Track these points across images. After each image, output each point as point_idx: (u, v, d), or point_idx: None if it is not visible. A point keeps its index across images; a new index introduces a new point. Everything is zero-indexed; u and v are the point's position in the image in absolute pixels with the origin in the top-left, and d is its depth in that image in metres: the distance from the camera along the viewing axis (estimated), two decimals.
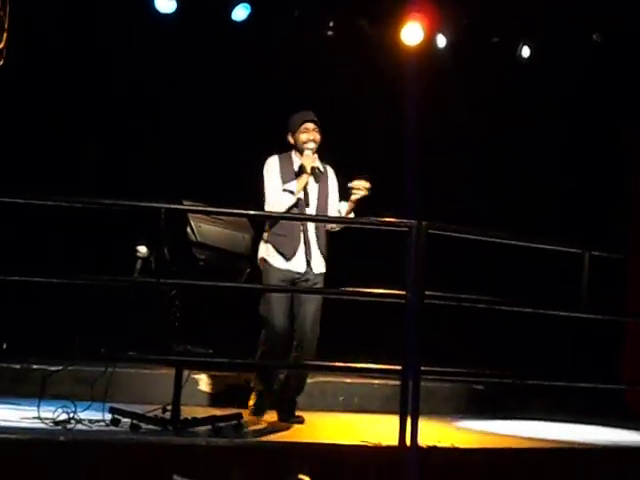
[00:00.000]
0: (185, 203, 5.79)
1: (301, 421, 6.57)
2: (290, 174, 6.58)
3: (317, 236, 6.57)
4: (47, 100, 8.35)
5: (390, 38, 9.00)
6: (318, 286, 6.60)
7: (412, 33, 8.89)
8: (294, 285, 6.57)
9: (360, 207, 6.57)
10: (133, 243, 5.80)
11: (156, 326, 5.86)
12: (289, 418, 6.56)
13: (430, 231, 5.64)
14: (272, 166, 6.62)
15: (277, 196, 6.49)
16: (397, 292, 5.65)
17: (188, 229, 5.79)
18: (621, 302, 9.18)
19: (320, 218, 6.60)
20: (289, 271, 6.51)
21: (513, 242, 6.41)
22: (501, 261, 8.24)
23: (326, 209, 6.65)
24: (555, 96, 9.44)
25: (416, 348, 5.60)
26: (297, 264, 6.53)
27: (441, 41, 9.20)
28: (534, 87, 9.39)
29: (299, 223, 6.53)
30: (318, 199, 6.63)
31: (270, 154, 6.68)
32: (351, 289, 5.88)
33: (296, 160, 6.64)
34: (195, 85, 8.74)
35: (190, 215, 5.79)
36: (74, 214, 6.11)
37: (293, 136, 6.64)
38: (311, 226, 6.55)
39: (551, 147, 9.55)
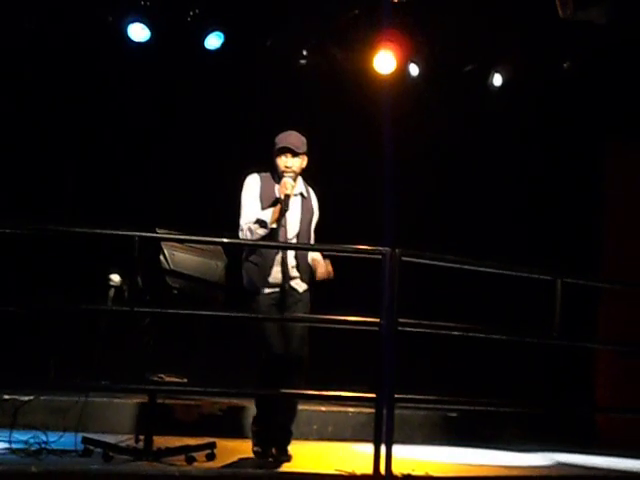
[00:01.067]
0: (158, 231, 5.78)
1: (288, 460, 6.21)
2: (270, 197, 6.32)
3: (297, 261, 6.36)
4: (23, 127, 8.34)
5: (363, 67, 9.05)
6: (303, 303, 6.35)
7: (384, 62, 8.93)
8: (282, 303, 6.32)
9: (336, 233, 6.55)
10: (106, 271, 5.78)
11: (130, 355, 5.83)
12: (280, 455, 6.21)
13: (403, 258, 5.66)
14: (251, 187, 6.39)
15: (250, 226, 6.26)
16: (371, 319, 5.66)
17: (161, 257, 5.78)
18: (593, 328, 9.24)
19: (292, 245, 6.43)
20: (265, 294, 6.29)
21: (486, 269, 6.43)
22: (475, 288, 8.26)
23: (308, 234, 6.45)
24: (528, 124, 9.53)
25: (390, 375, 5.60)
26: (271, 287, 6.31)
27: (413, 70, 9.26)
28: (506, 115, 9.47)
29: (274, 251, 6.33)
30: (300, 224, 6.41)
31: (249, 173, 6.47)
32: (325, 316, 5.88)
33: (277, 184, 6.37)
34: (169, 112, 8.75)
35: (163, 243, 5.78)
36: (47, 241, 6.10)
37: (274, 157, 6.38)
38: (290, 253, 6.35)
39: (525, 174, 9.62)
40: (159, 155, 8.64)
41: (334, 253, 6.36)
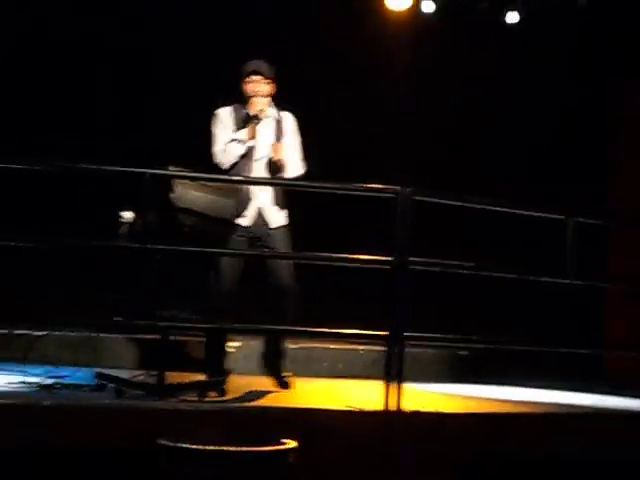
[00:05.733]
0: (170, 168, 5.78)
1: (287, 384, 6.59)
2: (240, 124, 6.50)
3: (272, 190, 6.51)
4: (34, 61, 8.30)
5: (375, 3, 8.95)
6: (283, 241, 6.54)
7: None
8: (255, 244, 6.49)
9: (348, 173, 6.56)
10: (118, 208, 5.78)
11: (141, 292, 5.86)
12: (277, 380, 6.59)
13: (415, 197, 5.65)
14: (222, 117, 6.54)
15: (226, 146, 6.43)
16: (383, 258, 5.68)
17: (173, 195, 5.77)
18: (603, 268, 9.24)
19: (297, 183, 6.54)
20: (245, 228, 6.45)
21: (497, 208, 6.42)
22: (486, 228, 8.25)
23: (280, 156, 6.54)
24: (542, 62, 9.43)
25: (401, 314, 5.62)
26: (247, 219, 6.47)
27: (427, 7, 9.16)
28: (521, 53, 9.38)
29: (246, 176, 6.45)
30: (271, 145, 6.54)
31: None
32: (338, 255, 5.89)
33: (248, 111, 6.54)
34: (183, 45, 8.66)
35: (175, 181, 5.77)
36: (59, 178, 6.10)
37: (243, 85, 6.57)
38: (260, 175, 6.47)
39: (537, 112, 9.54)
40: (173, 90, 8.57)
41: (347, 192, 6.36)
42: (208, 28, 8.75)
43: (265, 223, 6.53)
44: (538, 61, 9.44)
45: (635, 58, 9.26)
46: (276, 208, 6.57)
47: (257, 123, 6.46)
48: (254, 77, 6.52)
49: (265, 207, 6.53)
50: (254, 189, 6.51)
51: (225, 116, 6.57)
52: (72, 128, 8.36)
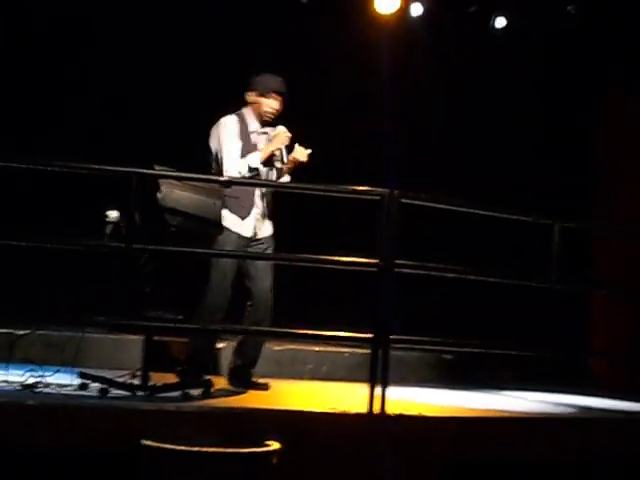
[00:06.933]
0: (156, 168, 5.76)
1: (265, 388, 6.56)
2: (245, 136, 6.50)
3: (266, 200, 6.56)
4: (20, 61, 8.27)
5: (364, 6, 8.93)
6: (270, 249, 6.58)
7: (387, 1, 8.82)
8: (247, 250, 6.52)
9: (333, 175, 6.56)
10: (104, 207, 5.77)
11: (126, 292, 5.84)
12: (246, 385, 6.49)
13: (402, 200, 5.66)
14: (232, 129, 6.50)
15: (239, 169, 6.38)
16: (369, 260, 5.67)
17: (159, 194, 5.76)
18: (589, 273, 9.26)
19: (284, 185, 6.57)
20: (241, 236, 6.45)
21: (484, 212, 6.42)
22: (473, 231, 8.25)
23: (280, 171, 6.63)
24: (529, 68, 9.44)
25: (386, 317, 5.62)
26: (249, 228, 6.49)
27: (416, 10, 9.16)
28: (508, 58, 9.38)
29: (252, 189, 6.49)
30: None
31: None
32: (323, 257, 5.89)
33: (250, 122, 6.56)
34: (169, 48, 8.64)
35: (161, 180, 5.76)
36: (44, 177, 6.07)
37: (259, 96, 6.54)
38: (259, 190, 6.54)
39: (524, 118, 9.55)
40: (160, 90, 8.55)
41: (333, 194, 6.35)
42: (197, 26, 8.73)
43: (260, 232, 6.56)
44: (527, 66, 9.44)
45: (621, 73, 9.28)
46: (268, 217, 6.60)
47: (282, 163, 6.51)
48: (279, 96, 6.53)
49: (262, 216, 6.55)
50: (256, 200, 6.51)
51: (233, 126, 6.52)
52: (58, 127, 8.34)
